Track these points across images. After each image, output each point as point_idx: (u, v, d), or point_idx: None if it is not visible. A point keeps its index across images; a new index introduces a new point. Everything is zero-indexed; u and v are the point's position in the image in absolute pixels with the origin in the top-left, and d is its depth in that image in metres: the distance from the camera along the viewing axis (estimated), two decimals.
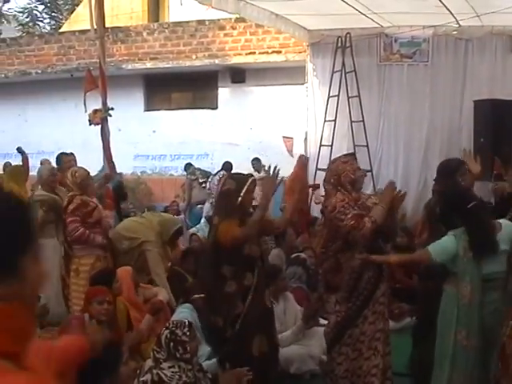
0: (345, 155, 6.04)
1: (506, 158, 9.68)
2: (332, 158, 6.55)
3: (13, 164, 11.32)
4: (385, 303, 5.56)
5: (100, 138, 9.11)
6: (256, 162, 14.38)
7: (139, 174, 18.09)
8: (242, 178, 5.51)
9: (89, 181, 7.69)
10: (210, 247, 5.62)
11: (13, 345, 1.68)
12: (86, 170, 7.76)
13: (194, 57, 17.62)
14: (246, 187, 5.35)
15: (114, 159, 9.21)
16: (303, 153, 12.39)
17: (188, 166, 15.42)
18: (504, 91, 10.90)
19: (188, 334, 4.99)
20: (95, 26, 9.12)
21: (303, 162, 11.50)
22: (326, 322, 5.94)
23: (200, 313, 6.56)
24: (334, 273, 5.34)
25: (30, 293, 1.77)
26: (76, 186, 7.51)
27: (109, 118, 9.05)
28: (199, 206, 14.08)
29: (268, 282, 5.79)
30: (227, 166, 13.80)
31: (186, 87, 18.90)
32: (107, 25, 9.91)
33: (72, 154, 9.41)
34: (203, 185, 14.53)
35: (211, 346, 5.97)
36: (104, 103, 9.03)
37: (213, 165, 18.04)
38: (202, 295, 6.56)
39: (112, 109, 9.05)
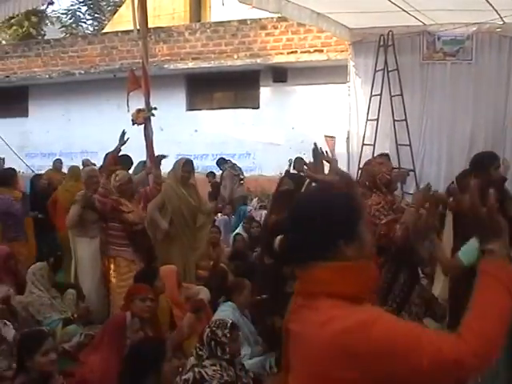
0: (379, 156, 5.99)
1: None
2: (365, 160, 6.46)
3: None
4: (420, 304, 5.49)
5: (143, 137, 9.16)
6: (298, 162, 14.31)
7: None
8: (299, 178, 5.52)
9: (128, 185, 7.75)
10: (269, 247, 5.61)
11: (360, 293, 2.19)
12: (127, 174, 7.83)
13: (235, 56, 17.68)
14: (304, 187, 5.37)
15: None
16: (345, 152, 12.34)
17: (222, 160, 15.38)
18: None
19: (228, 335, 5.01)
20: (138, 27, 9.17)
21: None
22: None
23: (257, 313, 6.62)
24: None
25: (367, 250, 2.29)
26: (115, 188, 7.60)
27: (152, 117, 9.10)
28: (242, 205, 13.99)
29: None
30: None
31: (227, 87, 18.97)
32: (149, 25, 9.95)
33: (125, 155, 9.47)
34: (242, 181, 14.57)
35: (268, 345, 6.00)
36: (147, 103, 9.08)
37: (254, 164, 18.12)
38: (263, 296, 6.63)
39: (155, 108, 9.09)
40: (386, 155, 6.18)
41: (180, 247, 8.51)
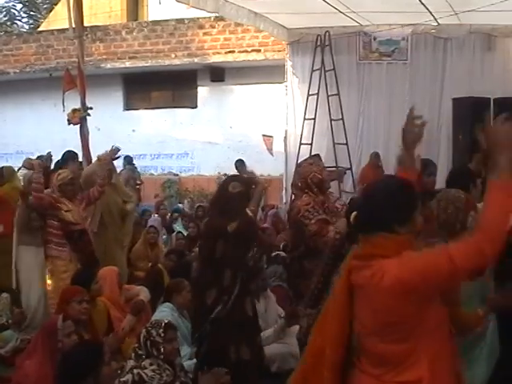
0: (310, 157, 6.01)
1: (484, 156, 9.71)
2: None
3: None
4: None
5: (79, 137, 9.06)
6: (240, 164, 14.31)
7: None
8: (247, 180, 5.53)
9: (69, 185, 7.61)
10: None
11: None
12: (69, 174, 7.69)
13: (173, 56, 17.59)
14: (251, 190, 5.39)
15: (93, 159, 9.15)
16: (283, 151, 12.39)
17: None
18: (482, 89, 10.98)
19: (163, 335, 4.99)
20: (74, 25, 9.06)
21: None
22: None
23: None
24: (300, 279, 5.23)
25: (416, 229, 3.05)
26: (56, 187, 7.46)
27: (88, 117, 9.00)
28: None
29: (250, 289, 5.59)
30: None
31: (165, 86, 18.87)
32: (86, 24, 9.85)
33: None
34: (138, 186, 14.33)
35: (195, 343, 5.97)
36: (83, 103, 8.97)
37: (193, 164, 18.05)
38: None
39: (91, 108, 9.00)
40: (317, 156, 6.18)
41: (110, 246, 8.50)
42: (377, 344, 2.98)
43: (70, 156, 9.04)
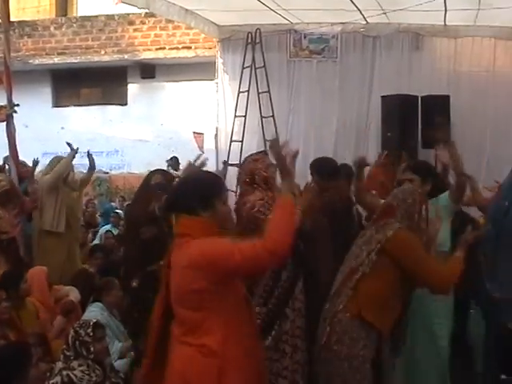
0: (256, 153, 5.97)
1: (412, 152, 9.93)
2: (243, 158, 6.44)
3: None
4: (302, 300, 5.52)
5: (5, 135, 8.88)
6: (174, 162, 14.22)
7: None
8: (169, 174, 5.58)
9: (4, 195, 7.53)
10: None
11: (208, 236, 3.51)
12: (6, 183, 7.62)
13: (102, 52, 17.42)
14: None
15: (21, 157, 9.02)
16: (213, 148, 12.38)
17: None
18: (410, 87, 11.14)
19: (91, 334, 4.96)
20: (0, 20, 8.89)
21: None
22: None
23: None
24: (248, 277, 5.19)
25: (222, 218, 3.69)
26: None
27: (15, 114, 8.83)
28: None
29: None
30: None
31: (94, 83, 18.67)
32: (13, 18, 9.70)
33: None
34: None
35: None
36: (9, 99, 8.78)
37: (123, 162, 17.92)
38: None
39: (17, 105, 8.83)
40: (263, 152, 6.16)
41: (72, 245, 8.90)
42: (178, 309, 3.60)
43: None
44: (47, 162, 9.17)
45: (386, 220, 4.64)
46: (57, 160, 9.17)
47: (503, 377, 3.77)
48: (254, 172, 5.40)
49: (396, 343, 4.93)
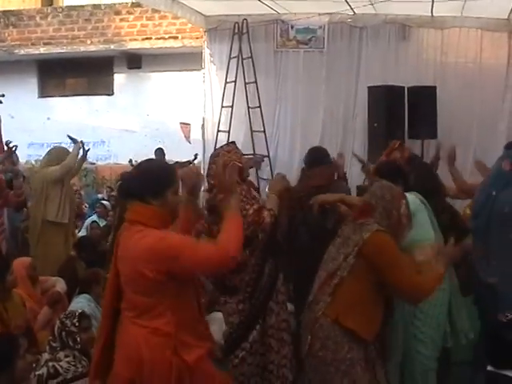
0: (226, 144, 5.86)
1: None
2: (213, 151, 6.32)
3: None
4: (284, 292, 5.50)
5: None
6: (159, 153, 14.17)
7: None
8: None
9: None
10: None
11: (158, 223, 3.66)
12: None
13: (88, 42, 17.34)
14: None
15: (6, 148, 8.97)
16: (200, 139, 12.36)
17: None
18: (396, 78, 11.15)
19: (77, 324, 4.96)
20: None
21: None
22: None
23: None
24: (233, 274, 5.11)
25: (173, 208, 3.77)
26: None
27: (0, 105, 8.80)
28: None
29: None
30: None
31: (80, 73, 18.60)
32: None
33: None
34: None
35: None
36: None
37: (109, 152, 17.87)
38: None
39: (3, 95, 8.80)
40: (233, 143, 6.05)
41: (68, 235, 9.01)
42: (129, 293, 3.73)
43: None
44: (32, 152, 9.14)
45: (364, 219, 4.52)
46: (56, 152, 9.14)
47: (489, 368, 3.78)
48: (228, 164, 5.10)
49: (382, 350, 4.78)
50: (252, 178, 7.56)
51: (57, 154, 9.00)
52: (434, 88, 10.88)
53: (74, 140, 9.15)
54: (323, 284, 4.50)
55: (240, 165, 5.23)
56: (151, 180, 3.73)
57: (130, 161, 13.18)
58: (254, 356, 5.14)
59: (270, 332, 5.25)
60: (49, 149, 9.55)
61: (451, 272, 5.33)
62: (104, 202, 12.61)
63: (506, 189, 5.28)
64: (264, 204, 5.20)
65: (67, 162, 8.78)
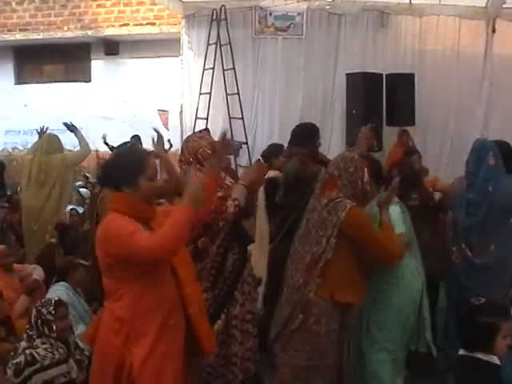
0: (199, 131, 5.87)
1: (376, 130, 10.00)
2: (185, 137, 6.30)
3: None
4: (252, 284, 5.45)
5: None
6: (136, 140, 14.09)
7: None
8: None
9: None
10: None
11: (136, 214, 3.75)
12: None
13: (65, 28, 17.18)
14: None
15: None
16: (178, 125, 12.32)
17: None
18: (374, 65, 11.23)
19: (53, 312, 4.94)
20: None
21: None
22: None
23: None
24: (195, 261, 5.06)
25: (146, 194, 3.81)
26: None
27: None
28: None
29: None
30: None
31: (57, 59, 18.42)
32: None
33: None
34: None
35: None
36: None
37: (87, 139, 17.74)
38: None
39: None
40: (206, 130, 6.02)
41: None
42: (102, 276, 3.86)
43: None
44: (9, 140, 9.10)
45: (330, 193, 4.69)
46: (53, 140, 9.31)
47: (462, 352, 3.83)
48: (198, 150, 5.15)
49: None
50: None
51: (56, 142, 9.13)
52: (412, 75, 10.94)
53: (70, 127, 9.15)
54: (309, 267, 4.68)
55: (210, 152, 5.14)
56: (122, 169, 3.81)
57: (104, 137, 13.00)
58: (220, 347, 5.03)
59: (234, 322, 5.17)
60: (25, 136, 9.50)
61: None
62: (81, 189, 12.52)
63: (499, 182, 5.43)
64: (230, 192, 5.10)
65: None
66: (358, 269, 4.71)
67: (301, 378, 4.77)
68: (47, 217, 8.69)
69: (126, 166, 3.82)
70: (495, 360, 3.74)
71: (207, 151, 5.12)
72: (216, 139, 4.86)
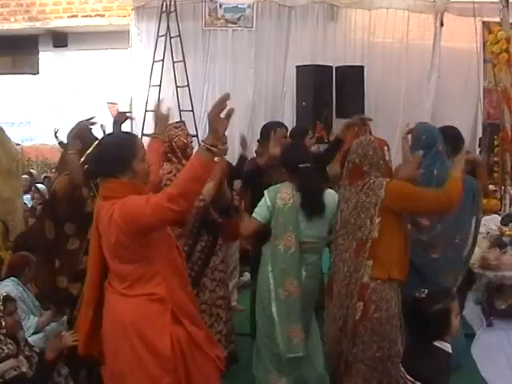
0: (176, 122, 5.95)
1: (326, 122, 10.09)
2: None
3: None
4: (225, 270, 5.56)
5: None
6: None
7: None
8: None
9: None
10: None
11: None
12: None
13: (12, 19, 16.91)
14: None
15: None
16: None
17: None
18: (324, 57, 11.31)
19: (2, 308, 4.88)
20: None
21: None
22: None
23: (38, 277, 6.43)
24: None
25: (142, 176, 3.77)
26: None
27: None
28: None
29: None
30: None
31: (4, 51, 18.12)
32: None
33: None
34: None
35: (57, 307, 5.83)
36: None
37: (35, 133, 17.57)
38: None
39: None
40: (182, 122, 6.13)
41: None
42: (117, 266, 3.75)
43: None
44: None
45: (361, 180, 4.67)
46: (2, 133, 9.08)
47: (420, 344, 3.89)
48: (173, 139, 5.44)
49: None
50: None
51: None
52: (361, 68, 11.04)
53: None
54: (358, 251, 4.64)
55: (185, 141, 5.46)
56: (114, 158, 3.73)
57: (56, 131, 12.88)
58: None
59: (203, 308, 5.32)
60: None
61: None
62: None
63: (442, 167, 5.53)
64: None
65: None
66: (404, 245, 4.68)
67: (378, 369, 4.66)
68: None
69: (118, 155, 3.74)
70: (449, 348, 3.82)
71: (182, 140, 5.39)
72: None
